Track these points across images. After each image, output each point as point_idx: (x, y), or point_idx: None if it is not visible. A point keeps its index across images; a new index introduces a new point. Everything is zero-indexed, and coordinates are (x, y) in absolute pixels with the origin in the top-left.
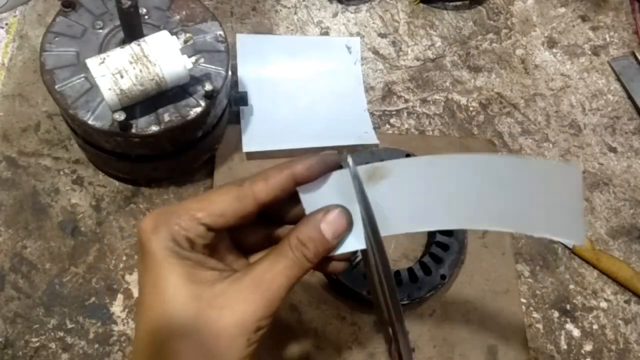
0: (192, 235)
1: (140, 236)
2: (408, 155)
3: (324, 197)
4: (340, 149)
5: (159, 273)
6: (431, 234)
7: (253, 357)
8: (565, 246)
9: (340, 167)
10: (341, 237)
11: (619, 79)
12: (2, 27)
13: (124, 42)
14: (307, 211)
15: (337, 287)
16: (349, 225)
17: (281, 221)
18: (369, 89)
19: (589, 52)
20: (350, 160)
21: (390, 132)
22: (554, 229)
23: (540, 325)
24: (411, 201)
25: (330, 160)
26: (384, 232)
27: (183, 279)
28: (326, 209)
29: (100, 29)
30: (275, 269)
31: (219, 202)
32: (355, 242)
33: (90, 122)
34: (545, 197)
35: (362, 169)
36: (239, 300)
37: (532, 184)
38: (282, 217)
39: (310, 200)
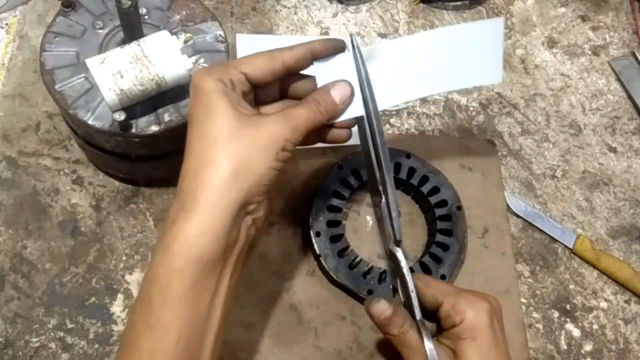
0: (235, 79)
1: (194, 81)
2: (408, 156)
3: (333, 71)
4: (338, 150)
5: (210, 102)
6: (431, 234)
7: (275, 176)
8: (565, 246)
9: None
10: (346, 103)
11: (619, 79)
12: (2, 27)
13: (124, 42)
14: (319, 80)
15: (337, 287)
16: (352, 94)
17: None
18: None
19: (589, 52)
20: (357, 41)
21: (390, 132)
22: (476, 77)
23: (540, 325)
24: (394, 76)
25: (340, 44)
26: (378, 104)
27: (229, 105)
28: (335, 81)
29: (100, 29)
30: (298, 110)
31: (256, 59)
32: (355, 110)
33: (90, 122)
34: (474, 52)
35: (364, 50)
36: (271, 123)
37: (465, 44)
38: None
39: (323, 72)
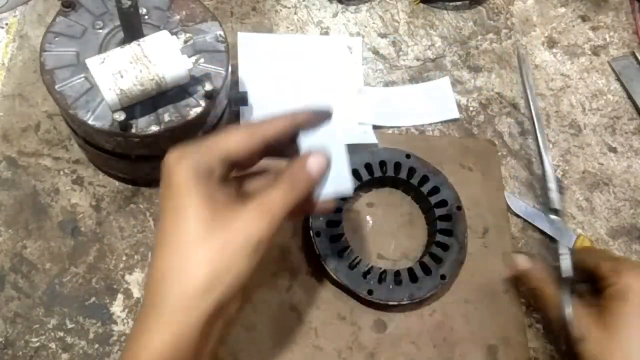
0: (212, 165)
1: (164, 169)
2: (408, 156)
3: (318, 137)
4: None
5: (181, 197)
6: (431, 234)
7: (253, 271)
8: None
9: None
10: (323, 173)
11: (619, 79)
12: (2, 27)
13: (124, 42)
14: (303, 145)
15: (337, 287)
16: (329, 165)
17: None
18: None
19: (589, 52)
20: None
21: (390, 132)
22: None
23: (540, 325)
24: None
25: (326, 114)
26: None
27: (201, 202)
28: (311, 152)
29: (100, 29)
30: (275, 195)
31: (234, 137)
32: (343, 187)
33: (90, 122)
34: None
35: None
36: (247, 218)
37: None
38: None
39: (307, 144)
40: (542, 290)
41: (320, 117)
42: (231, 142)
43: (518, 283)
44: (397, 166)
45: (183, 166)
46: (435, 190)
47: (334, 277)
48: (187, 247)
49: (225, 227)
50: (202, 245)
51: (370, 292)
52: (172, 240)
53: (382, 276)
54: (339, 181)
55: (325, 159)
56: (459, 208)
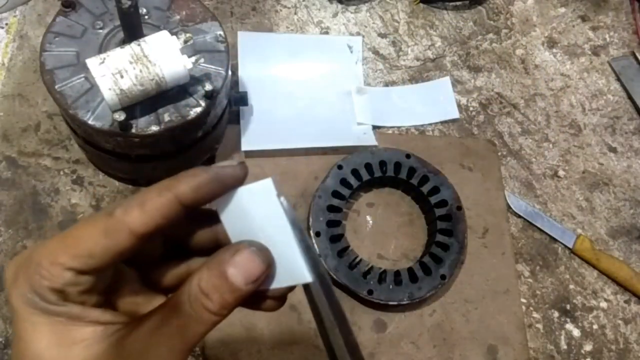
0: (59, 284)
1: (5, 288)
2: (408, 156)
3: (249, 219)
4: (338, 150)
5: (22, 335)
6: (431, 234)
7: None
8: (565, 246)
9: (241, 183)
10: (258, 282)
11: (619, 79)
12: (2, 27)
13: (124, 42)
14: (232, 236)
15: (337, 287)
16: (268, 266)
17: (192, 252)
18: None
19: (589, 52)
20: (285, 203)
21: (390, 132)
22: (438, 115)
23: (540, 325)
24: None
25: (228, 176)
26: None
27: (49, 340)
28: (235, 248)
29: (101, 29)
30: (165, 332)
31: (85, 240)
32: (295, 275)
33: (90, 122)
34: (434, 99)
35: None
36: None
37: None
38: (190, 246)
39: (233, 222)
40: None
41: (218, 185)
42: (82, 245)
43: None
44: (397, 166)
45: (18, 291)
46: (435, 190)
47: (334, 277)
48: None
49: None
50: None
51: (370, 292)
52: None
53: (382, 276)
54: (290, 269)
55: (260, 256)
56: (459, 208)
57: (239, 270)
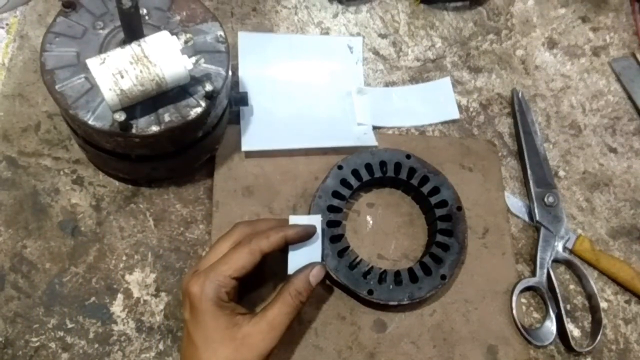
0: (229, 288)
1: (189, 298)
2: (408, 156)
3: (301, 255)
4: (338, 150)
5: (208, 325)
6: (431, 235)
7: None
8: (566, 246)
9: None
10: (319, 282)
11: (619, 80)
12: (3, 27)
13: (125, 42)
14: (290, 263)
15: (337, 287)
16: (325, 274)
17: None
18: None
19: (589, 53)
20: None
21: (390, 132)
22: (439, 115)
23: (539, 325)
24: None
25: (311, 231)
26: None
27: (224, 325)
28: (312, 266)
29: (101, 29)
30: (282, 313)
31: (239, 259)
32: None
33: (90, 122)
34: (435, 100)
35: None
36: (259, 338)
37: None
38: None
39: (293, 256)
40: None
41: (307, 234)
42: (239, 263)
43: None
44: (398, 166)
45: (205, 297)
46: (435, 190)
47: (334, 277)
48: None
49: (244, 345)
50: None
51: (370, 292)
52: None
53: (382, 276)
54: (310, 260)
55: (324, 269)
56: (459, 208)
57: (315, 278)
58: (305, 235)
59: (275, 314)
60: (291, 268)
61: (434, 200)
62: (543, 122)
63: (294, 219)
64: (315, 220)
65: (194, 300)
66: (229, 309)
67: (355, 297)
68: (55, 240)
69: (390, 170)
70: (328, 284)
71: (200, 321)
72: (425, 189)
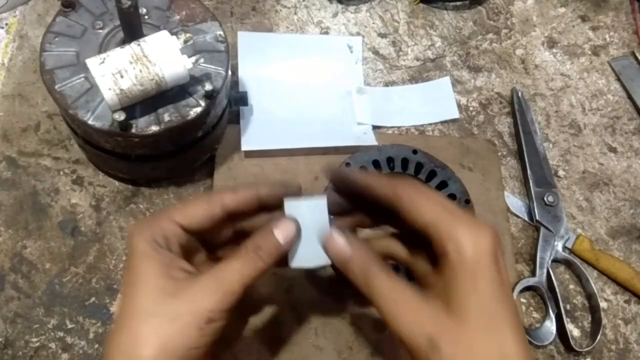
0: (170, 234)
1: (128, 237)
2: (415, 152)
3: (302, 213)
4: (339, 150)
5: (137, 268)
6: None
7: (207, 352)
8: (565, 246)
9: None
10: (292, 243)
11: (619, 79)
12: (2, 27)
13: (124, 42)
14: (291, 252)
15: (338, 286)
16: (298, 231)
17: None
18: None
19: (589, 52)
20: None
21: (390, 132)
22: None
23: (539, 325)
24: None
25: (293, 190)
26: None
27: (155, 273)
28: (278, 218)
29: (100, 29)
30: (232, 268)
31: (192, 207)
32: (317, 259)
33: (90, 122)
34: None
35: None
36: (196, 292)
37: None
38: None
39: (293, 213)
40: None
41: (284, 193)
42: (187, 212)
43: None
44: (405, 162)
45: (141, 238)
46: (443, 184)
47: (337, 274)
48: (138, 321)
49: (178, 298)
50: (152, 317)
51: None
52: (124, 315)
53: None
54: (318, 254)
55: (294, 224)
56: (467, 202)
57: (281, 231)
58: (282, 194)
59: (225, 268)
60: (295, 259)
61: (442, 194)
62: (543, 122)
63: (291, 204)
64: (320, 202)
65: (129, 242)
66: (166, 257)
67: (355, 296)
68: (55, 240)
69: (397, 166)
70: (332, 278)
71: (128, 267)
72: (433, 184)
